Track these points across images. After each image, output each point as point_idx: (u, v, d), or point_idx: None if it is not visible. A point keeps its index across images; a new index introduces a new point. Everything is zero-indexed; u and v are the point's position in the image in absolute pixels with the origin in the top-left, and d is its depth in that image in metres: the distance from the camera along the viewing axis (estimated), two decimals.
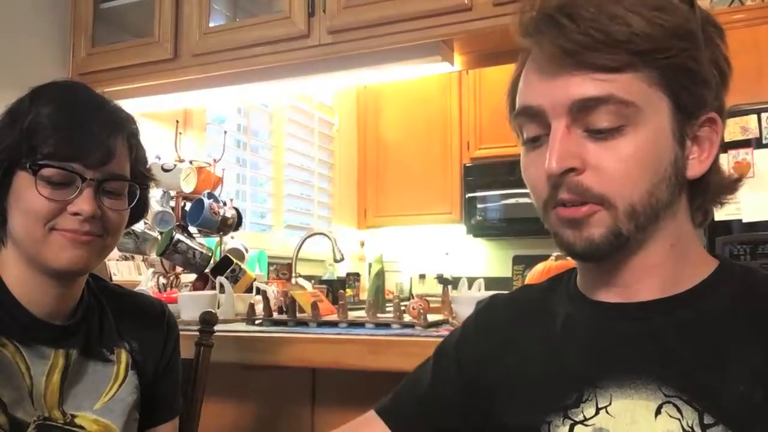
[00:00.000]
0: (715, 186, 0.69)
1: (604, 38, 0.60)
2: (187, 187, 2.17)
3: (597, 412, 0.64)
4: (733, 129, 2.73)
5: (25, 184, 0.85)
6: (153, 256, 2.08)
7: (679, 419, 0.60)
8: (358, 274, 3.09)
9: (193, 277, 2.11)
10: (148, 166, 0.99)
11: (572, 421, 0.65)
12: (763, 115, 2.69)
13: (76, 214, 0.85)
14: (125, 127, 0.92)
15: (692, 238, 0.69)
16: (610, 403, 0.64)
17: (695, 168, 0.66)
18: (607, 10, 0.61)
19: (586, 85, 0.62)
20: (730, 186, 0.71)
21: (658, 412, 0.61)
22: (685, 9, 0.64)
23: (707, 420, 0.59)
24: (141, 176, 0.95)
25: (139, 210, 0.99)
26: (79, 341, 0.92)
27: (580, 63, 0.62)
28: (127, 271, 2.23)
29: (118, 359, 0.97)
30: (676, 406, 0.60)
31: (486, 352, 0.77)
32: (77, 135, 0.85)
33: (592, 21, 0.61)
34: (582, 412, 0.65)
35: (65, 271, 0.87)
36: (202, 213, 2.10)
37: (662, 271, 0.67)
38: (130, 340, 1.00)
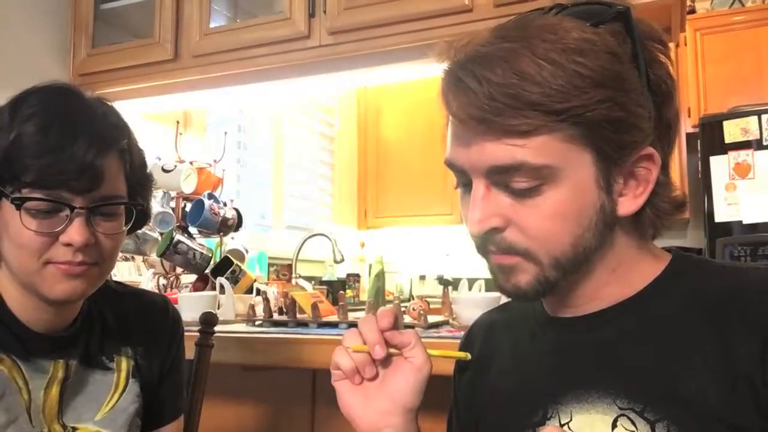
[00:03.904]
0: (654, 216, 0.66)
1: (513, 103, 0.57)
2: (188, 188, 2.17)
3: None
4: (733, 130, 2.73)
5: (10, 213, 0.79)
6: (153, 256, 2.08)
7: (633, 431, 0.60)
8: (358, 275, 3.09)
9: (193, 277, 2.11)
10: (147, 171, 0.93)
11: None
12: (764, 117, 2.69)
13: (68, 244, 0.79)
14: (116, 141, 0.83)
15: (636, 256, 0.67)
16: (571, 419, 0.64)
17: (628, 206, 0.64)
18: (517, 66, 0.58)
19: (498, 152, 0.60)
20: (671, 213, 0.67)
21: (614, 425, 0.61)
22: (612, 42, 0.60)
23: (659, 431, 0.59)
24: (138, 188, 0.89)
25: (141, 219, 0.92)
26: (78, 350, 0.90)
27: (491, 128, 0.59)
28: (128, 271, 2.23)
29: (118, 367, 0.94)
30: (630, 419, 0.61)
31: (468, 382, 0.79)
32: (61, 159, 0.77)
33: (499, 85, 0.58)
34: None
35: (61, 301, 0.83)
36: (202, 214, 2.10)
37: (608, 291, 0.66)
38: (134, 345, 0.97)
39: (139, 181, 0.89)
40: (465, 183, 0.66)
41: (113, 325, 0.96)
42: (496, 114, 0.58)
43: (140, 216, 0.91)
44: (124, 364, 0.95)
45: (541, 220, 0.61)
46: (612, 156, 0.61)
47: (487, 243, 0.64)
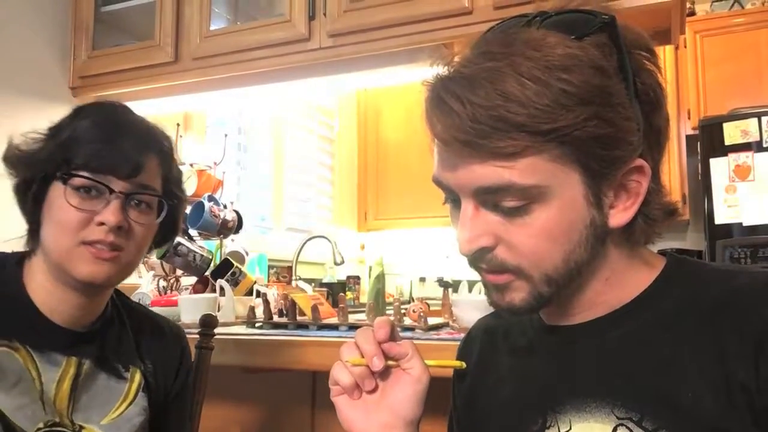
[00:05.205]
0: (645, 224, 0.65)
1: (498, 125, 0.57)
2: (188, 190, 2.17)
3: None
4: (733, 133, 2.74)
5: (57, 195, 0.87)
6: (153, 258, 2.08)
7: None
8: (358, 277, 3.09)
9: (193, 280, 2.11)
10: (183, 187, 1.01)
11: None
12: (764, 119, 2.70)
13: (102, 224, 0.86)
14: (157, 145, 0.94)
15: (629, 265, 0.67)
16: (570, 428, 0.64)
17: (619, 218, 0.63)
18: (501, 86, 0.57)
19: (485, 174, 0.59)
20: (662, 220, 0.66)
21: None
22: (597, 55, 0.59)
23: None
24: (172, 197, 0.97)
25: (170, 228, 1.00)
26: (92, 351, 0.93)
27: (477, 150, 0.59)
28: None
29: (132, 378, 0.97)
30: (628, 428, 0.61)
31: (468, 389, 0.79)
32: (109, 149, 0.88)
33: (483, 107, 0.57)
34: None
35: (87, 283, 0.88)
36: (202, 216, 2.10)
37: (602, 300, 0.66)
38: (146, 360, 1.00)
39: (175, 193, 0.98)
40: (453, 199, 0.66)
41: (131, 336, 1.00)
42: (481, 137, 0.57)
43: (172, 221, 0.98)
44: (137, 376, 0.98)
45: (531, 238, 0.61)
46: (601, 171, 0.60)
47: (478, 261, 0.64)
